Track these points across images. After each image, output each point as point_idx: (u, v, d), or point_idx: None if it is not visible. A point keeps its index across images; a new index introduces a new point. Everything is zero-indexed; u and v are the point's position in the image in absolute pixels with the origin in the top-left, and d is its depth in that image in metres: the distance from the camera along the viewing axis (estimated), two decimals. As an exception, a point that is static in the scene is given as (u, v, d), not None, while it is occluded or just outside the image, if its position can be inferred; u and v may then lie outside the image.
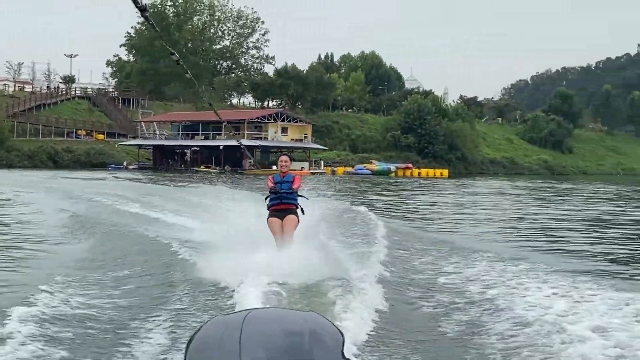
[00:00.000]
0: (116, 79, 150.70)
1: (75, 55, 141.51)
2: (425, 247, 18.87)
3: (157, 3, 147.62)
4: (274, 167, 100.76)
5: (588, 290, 12.37)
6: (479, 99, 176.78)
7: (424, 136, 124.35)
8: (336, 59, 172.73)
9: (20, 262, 15.69)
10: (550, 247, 20.50)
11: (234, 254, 13.50)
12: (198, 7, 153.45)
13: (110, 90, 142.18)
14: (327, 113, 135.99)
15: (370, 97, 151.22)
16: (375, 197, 45.07)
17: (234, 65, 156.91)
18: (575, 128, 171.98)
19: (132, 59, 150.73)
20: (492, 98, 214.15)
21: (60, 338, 9.06)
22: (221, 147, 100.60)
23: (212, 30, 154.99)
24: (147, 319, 10.33)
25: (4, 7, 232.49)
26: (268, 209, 14.89)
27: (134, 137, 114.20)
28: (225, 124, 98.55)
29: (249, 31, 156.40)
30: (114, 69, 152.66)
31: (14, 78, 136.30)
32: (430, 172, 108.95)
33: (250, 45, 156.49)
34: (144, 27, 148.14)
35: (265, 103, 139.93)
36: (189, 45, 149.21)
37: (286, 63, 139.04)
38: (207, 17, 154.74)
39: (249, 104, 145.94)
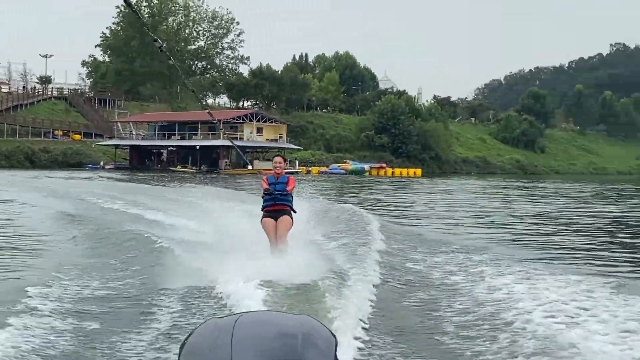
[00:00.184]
0: (91, 79, 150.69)
1: (51, 56, 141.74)
2: (410, 242, 20.12)
3: (132, 3, 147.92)
4: (249, 167, 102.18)
5: (542, 275, 13.88)
6: (452, 99, 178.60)
7: (397, 136, 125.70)
8: (310, 59, 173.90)
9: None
10: (512, 239, 21.87)
11: (228, 256, 13.53)
12: (173, 8, 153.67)
13: (86, 90, 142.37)
14: (302, 113, 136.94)
15: (344, 97, 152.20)
16: (362, 195, 46.30)
17: (209, 66, 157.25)
18: (547, 128, 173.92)
19: (107, 59, 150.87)
20: (466, 98, 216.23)
21: (51, 342, 9.04)
22: (197, 147, 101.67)
23: (187, 31, 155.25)
24: (139, 323, 10.24)
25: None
26: (262, 209, 14.84)
27: (110, 138, 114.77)
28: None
29: (224, 32, 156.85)
30: (89, 69, 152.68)
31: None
32: (404, 171, 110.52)
33: (225, 45, 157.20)
34: (119, 28, 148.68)
35: (240, 103, 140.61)
36: (164, 45, 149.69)
37: (261, 63, 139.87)
38: (182, 18, 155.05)
39: (224, 104, 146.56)
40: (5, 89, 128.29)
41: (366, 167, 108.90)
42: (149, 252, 16.94)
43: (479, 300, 12.17)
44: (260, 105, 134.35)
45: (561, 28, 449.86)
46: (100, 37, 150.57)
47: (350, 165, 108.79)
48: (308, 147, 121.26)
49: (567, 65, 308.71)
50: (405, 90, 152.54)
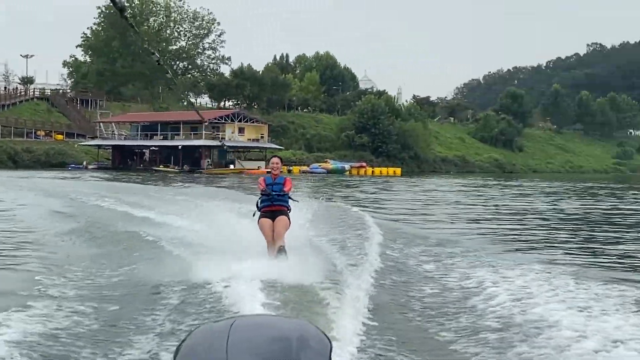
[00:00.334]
0: (72, 80, 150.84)
1: (32, 56, 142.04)
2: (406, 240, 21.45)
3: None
4: (232, 167, 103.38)
5: (508, 265, 15.35)
6: (432, 99, 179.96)
7: (377, 135, 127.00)
8: (291, 59, 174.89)
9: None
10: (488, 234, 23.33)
11: (224, 258, 13.36)
12: (154, 9, 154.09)
13: (68, 90, 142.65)
14: (283, 113, 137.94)
15: (325, 97, 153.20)
16: (345, 193, 47.56)
17: (190, 66, 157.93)
18: (525, 127, 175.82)
19: (88, 59, 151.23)
20: (446, 97, 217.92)
21: (43, 346, 8.86)
22: (180, 147, 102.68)
23: (168, 31, 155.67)
24: (133, 326, 10.07)
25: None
26: (259, 210, 14.82)
27: (92, 138, 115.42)
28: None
29: (205, 32, 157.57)
30: (70, 69, 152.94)
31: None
32: (384, 170, 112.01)
33: (207, 46, 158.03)
34: (100, 28, 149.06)
35: (222, 103, 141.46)
36: (145, 45, 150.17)
37: (242, 64, 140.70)
38: (163, 18, 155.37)
39: (206, 104, 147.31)
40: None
41: (346, 166, 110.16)
42: (146, 252, 16.76)
43: (449, 287, 13.65)
44: (242, 105, 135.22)
45: (540, 28, 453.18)
46: (81, 37, 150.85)
47: (331, 164, 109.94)
48: (289, 147, 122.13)
49: (544, 65, 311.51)
50: (385, 90, 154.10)
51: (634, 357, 8.33)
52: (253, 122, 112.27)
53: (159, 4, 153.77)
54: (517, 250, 19.27)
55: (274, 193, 14.61)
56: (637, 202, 44.60)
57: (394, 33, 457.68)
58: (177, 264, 14.14)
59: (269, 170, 15.35)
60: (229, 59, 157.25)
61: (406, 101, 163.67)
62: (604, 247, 20.58)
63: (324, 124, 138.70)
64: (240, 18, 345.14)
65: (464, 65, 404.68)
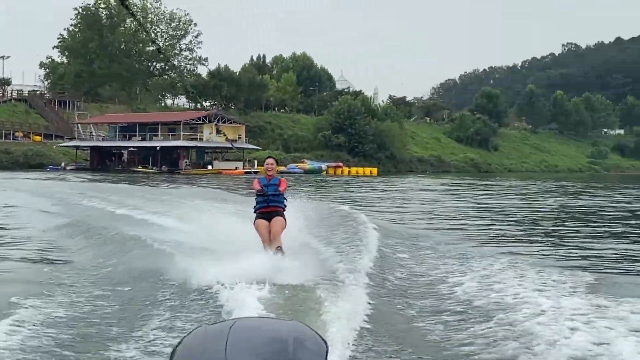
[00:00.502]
0: (49, 81, 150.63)
1: (8, 57, 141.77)
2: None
3: (90, 5, 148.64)
4: (209, 167, 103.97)
5: (473, 256, 16.41)
6: (408, 99, 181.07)
7: (354, 136, 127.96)
8: (268, 60, 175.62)
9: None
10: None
11: (221, 259, 13.32)
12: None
13: (45, 92, 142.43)
14: (260, 113, 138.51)
15: (302, 98, 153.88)
16: (323, 192, 48.42)
17: (167, 67, 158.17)
18: (500, 127, 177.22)
19: (65, 60, 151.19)
20: (422, 97, 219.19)
21: (39, 346, 8.92)
22: (158, 148, 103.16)
23: (145, 33, 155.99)
24: (131, 327, 10.05)
25: None
26: (255, 212, 14.76)
27: (70, 139, 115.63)
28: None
29: (182, 33, 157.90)
30: (47, 70, 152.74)
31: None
32: (360, 170, 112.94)
33: (183, 47, 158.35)
34: (76, 29, 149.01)
35: (199, 104, 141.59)
36: (122, 47, 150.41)
37: (219, 64, 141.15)
38: (140, 19, 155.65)
39: (183, 105, 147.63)
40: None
41: (323, 166, 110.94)
42: (139, 254, 16.59)
43: (419, 274, 14.65)
44: (219, 106, 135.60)
45: (517, 28, 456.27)
46: (58, 38, 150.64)
47: (308, 164, 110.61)
48: (266, 147, 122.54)
49: (520, 64, 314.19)
50: (361, 90, 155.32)
51: (585, 330, 9.26)
52: (231, 123, 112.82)
53: (136, 5, 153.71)
54: (484, 243, 20.33)
55: (269, 193, 14.53)
56: (601, 199, 45.89)
57: (389, 34, 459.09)
58: (175, 264, 13.96)
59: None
60: (206, 59, 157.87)
61: (382, 101, 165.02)
62: (562, 240, 21.85)
63: (301, 124, 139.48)
64: (235, 18, 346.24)
65: (440, 66, 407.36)
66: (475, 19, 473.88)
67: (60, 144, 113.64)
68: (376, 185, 64.89)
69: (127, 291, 12.65)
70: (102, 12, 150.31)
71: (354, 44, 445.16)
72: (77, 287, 13.02)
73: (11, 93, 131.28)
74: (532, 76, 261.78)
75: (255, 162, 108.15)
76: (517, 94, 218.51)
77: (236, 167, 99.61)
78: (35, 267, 15.71)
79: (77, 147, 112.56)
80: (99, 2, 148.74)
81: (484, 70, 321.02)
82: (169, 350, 1.70)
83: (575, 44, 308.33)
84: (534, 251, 18.76)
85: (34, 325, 9.75)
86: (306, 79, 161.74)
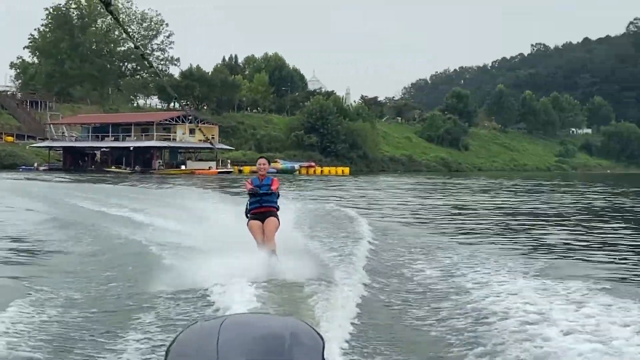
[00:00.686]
0: (20, 81, 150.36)
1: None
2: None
3: (61, 5, 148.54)
4: (183, 167, 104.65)
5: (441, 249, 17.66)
6: (379, 99, 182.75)
7: (326, 135, 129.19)
8: (240, 60, 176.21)
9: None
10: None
11: (215, 258, 13.27)
12: (102, 10, 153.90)
13: (16, 92, 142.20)
14: (233, 114, 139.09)
15: (274, 98, 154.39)
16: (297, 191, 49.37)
17: (139, 67, 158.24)
18: (470, 126, 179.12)
19: (36, 61, 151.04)
20: (394, 97, 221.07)
21: (34, 345, 8.86)
22: (131, 149, 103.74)
23: (116, 33, 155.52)
24: (125, 326, 9.96)
25: None
26: (248, 212, 14.64)
27: (43, 139, 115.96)
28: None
29: (154, 33, 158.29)
30: (18, 71, 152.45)
31: None
32: (332, 170, 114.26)
33: (155, 47, 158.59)
34: (47, 30, 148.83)
35: (172, 104, 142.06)
36: (94, 47, 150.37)
37: (191, 65, 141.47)
38: (111, 20, 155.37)
39: (155, 105, 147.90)
40: None
41: (296, 166, 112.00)
42: (132, 253, 16.64)
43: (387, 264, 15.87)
44: (192, 106, 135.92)
45: (488, 28, 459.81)
46: (29, 38, 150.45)
47: (281, 164, 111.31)
48: (239, 147, 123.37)
49: (490, 65, 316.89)
50: (333, 90, 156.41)
51: (531, 305, 10.47)
52: (203, 123, 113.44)
53: (118, 9, 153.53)
54: (446, 235, 21.67)
55: (262, 193, 14.40)
56: (562, 197, 47.51)
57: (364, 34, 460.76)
58: (171, 264, 14.13)
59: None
60: (177, 60, 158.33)
61: (354, 101, 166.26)
62: (520, 233, 23.39)
63: (273, 124, 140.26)
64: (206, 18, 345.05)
65: (412, 66, 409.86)
66: (446, 19, 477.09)
67: (33, 145, 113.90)
68: (348, 184, 66.09)
69: (120, 290, 12.63)
70: (73, 12, 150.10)
71: (328, 44, 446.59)
72: (67, 287, 12.86)
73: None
74: (502, 76, 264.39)
75: (229, 162, 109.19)
76: (487, 93, 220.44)
77: (209, 167, 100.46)
78: (22, 268, 15.44)
79: (50, 148, 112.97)
80: (70, 2, 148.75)
81: (455, 70, 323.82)
82: (164, 348, 1.84)
83: (544, 45, 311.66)
84: (494, 241, 20.38)
85: (24, 325, 9.65)
86: (278, 79, 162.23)
